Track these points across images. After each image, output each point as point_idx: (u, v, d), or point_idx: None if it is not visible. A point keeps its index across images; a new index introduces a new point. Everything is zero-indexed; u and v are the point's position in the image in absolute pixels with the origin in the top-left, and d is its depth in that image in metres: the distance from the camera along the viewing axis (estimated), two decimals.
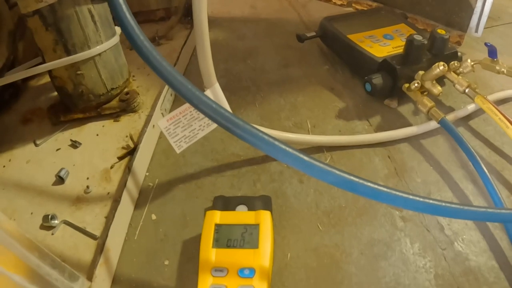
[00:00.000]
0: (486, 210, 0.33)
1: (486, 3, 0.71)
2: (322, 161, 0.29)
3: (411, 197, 0.30)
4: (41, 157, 0.55)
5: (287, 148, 0.28)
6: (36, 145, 0.59)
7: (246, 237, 0.37)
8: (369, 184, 0.29)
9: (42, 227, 0.45)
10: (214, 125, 0.41)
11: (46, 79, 0.71)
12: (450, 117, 0.57)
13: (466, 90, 0.56)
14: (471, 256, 0.40)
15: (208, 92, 0.40)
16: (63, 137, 0.58)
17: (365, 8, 0.89)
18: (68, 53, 0.54)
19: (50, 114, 0.63)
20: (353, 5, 0.91)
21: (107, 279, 0.39)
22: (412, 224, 0.44)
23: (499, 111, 0.51)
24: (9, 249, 0.24)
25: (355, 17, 0.73)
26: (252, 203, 0.41)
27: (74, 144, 0.56)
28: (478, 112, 0.59)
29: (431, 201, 0.30)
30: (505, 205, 0.44)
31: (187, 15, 0.84)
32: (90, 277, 0.37)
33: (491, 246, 0.41)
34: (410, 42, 0.56)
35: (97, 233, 0.43)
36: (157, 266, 0.40)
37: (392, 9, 0.78)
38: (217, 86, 0.40)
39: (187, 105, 0.38)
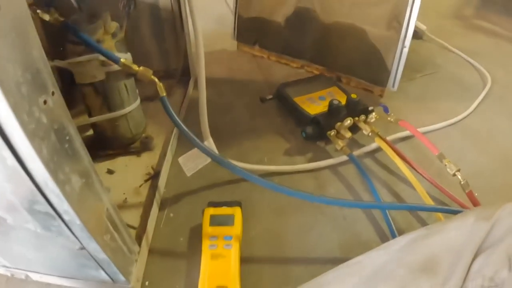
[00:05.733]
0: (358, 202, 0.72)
1: (399, 67, 1.11)
2: (276, 182, 0.67)
3: (323, 197, 0.69)
4: None
5: (256, 176, 0.66)
6: None
7: (228, 220, 0.74)
8: (299, 192, 0.68)
9: None
10: (209, 159, 0.79)
11: (75, 119, 1.07)
12: (358, 152, 0.97)
13: (369, 134, 0.96)
14: (363, 232, 0.79)
15: (206, 143, 0.78)
16: (101, 166, 0.94)
17: (314, 71, 1.31)
18: (110, 111, 0.91)
19: (89, 150, 0.98)
20: (305, 67, 1.33)
21: (145, 248, 0.75)
22: (327, 216, 0.82)
23: (389, 145, 0.91)
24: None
25: (301, 83, 1.14)
26: (230, 204, 0.78)
27: (110, 171, 0.93)
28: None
29: (331, 199, 0.69)
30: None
31: (183, 75, 1.23)
32: (139, 245, 0.73)
33: (375, 228, 0.80)
34: (330, 104, 0.97)
35: (136, 225, 0.79)
36: (175, 241, 0.76)
37: (328, 76, 1.20)
38: (210, 139, 0.78)
39: (195, 149, 0.75)
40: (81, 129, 1.04)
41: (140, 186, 0.87)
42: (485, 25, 1.78)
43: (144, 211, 0.81)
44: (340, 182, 0.91)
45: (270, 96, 1.10)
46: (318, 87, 1.11)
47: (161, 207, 0.84)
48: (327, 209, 0.83)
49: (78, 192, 0.49)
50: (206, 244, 0.71)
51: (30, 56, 0.39)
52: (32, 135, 0.39)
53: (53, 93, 0.43)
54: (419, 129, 1.01)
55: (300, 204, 0.83)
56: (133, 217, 0.80)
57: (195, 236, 0.76)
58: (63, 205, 0.47)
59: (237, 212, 0.76)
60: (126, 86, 0.91)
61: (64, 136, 0.45)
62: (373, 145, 0.99)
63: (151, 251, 0.75)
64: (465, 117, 1.12)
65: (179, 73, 1.23)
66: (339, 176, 0.92)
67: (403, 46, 1.09)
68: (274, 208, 0.83)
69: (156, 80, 0.74)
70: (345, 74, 1.24)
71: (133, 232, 0.77)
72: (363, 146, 1.00)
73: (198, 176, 0.83)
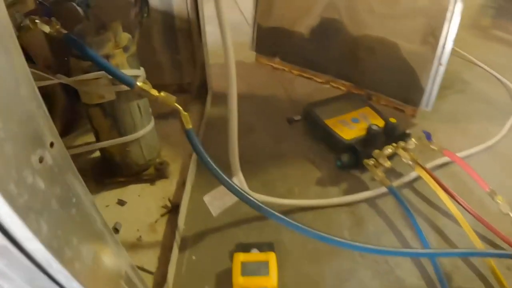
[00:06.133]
0: (412, 251, 0.60)
1: (434, 86, 0.99)
2: (305, 224, 0.55)
3: (365, 245, 0.56)
4: None
5: (293, 222, 0.54)
6: None
7: (261, 269, 0.61)
8: (336, 238, 0.55)
9: None
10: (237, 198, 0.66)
11: (80, 140, 0.94)
12: (397, 182, 0.85)
13: (410, 163, 0.84)
14: (407, 279, 0.66)
15: (235, 179, 0.65)
16: (110, 196, 0.82)
17: (340, 86, 1.19)
18: (120, 135, 0.78)
19: (95, 175, 0.86)
20: (330, 83, 1.21)
21: None
22: (367, 260, 0.69)
23: (431, 176, 0.78)
24: None
25: (330, 102, 1.01)
26: (261, 247, 0.66)
27: (121, 202, 0.80)
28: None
29: (378, 247, 0.57)
30: (430, 245, 0.71)
31: (200, 90, 1.10)
32: None
33: (421, 272, 0.67)
34: (369, 131, 0.85)
35: (153, 269, 0.67)
36: None
37: (358, 94, 1.08)
38: (241, 175, 0.66)
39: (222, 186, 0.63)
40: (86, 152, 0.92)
41: (155, 222, 0.75)
42: (503, 35, 1.68)
43: (162, 253, 0.69)
44: (379, 217, 0.78)
45: (298, 117, 0.97)
46: (350, 108, 0.98)
47: (182, 248, 0.71)
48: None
49: (90, 265, 0.36)
50: None
51: (16, 97, 0.27)
52: (25, 211, 0.27)
53: (51, 144, 0.30)
54: (442, 159, 0.90)
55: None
56: (149, 259, 0.68)
57: (223, 285, 0.64)
58: (72, 284, 0.34)
59: (271, 258, 0.63)
60: (139, 107, 0.79)
61: (69, 199, 0.33)
62: (412, 175, 0.87)
63: None
64: (498, 141, 1.00)
65: (196, 87, 1.11)
66: (378, 210, 0.80)
67: (439, 64, 0.97)
68: (309, 250, 0.71)
69: (181, 109, 0.61)
70: (375, 91, 1.11)
71: (149, 278, 0.65)
72: (399, 174, 0.88)
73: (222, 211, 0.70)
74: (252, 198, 0.54)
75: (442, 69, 0.97)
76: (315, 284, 0.65)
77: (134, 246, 0.71)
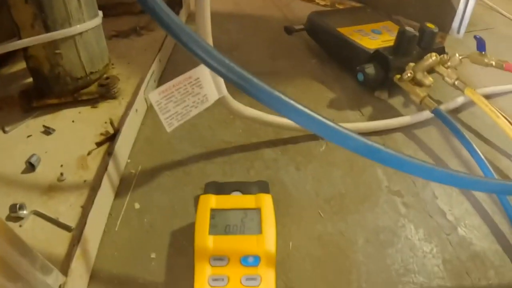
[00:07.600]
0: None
1: (468, 6, 0.72)
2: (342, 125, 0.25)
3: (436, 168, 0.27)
4: (10, 144, 0.48)
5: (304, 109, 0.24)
6: (4, 132, 0.51)
7: (246, 222, 0.32)
8: (392, 152, 0.26)
9: (9, 218, 0.38)
10: (209, 103, 0.36)
11: (19, 66, 0.64)
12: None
13: (456, 83, 0.54)
14: (475, 241, 0.38)
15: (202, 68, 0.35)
16: (35, 123, 0.51)
17: None
18: (47, 29, 0.48)
19: (22, 100, 0.55)
20: (336, 5, 0.89)
21: (84, 275, 0.33)
22: (414, 211, 0.41)
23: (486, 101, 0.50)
24: None
25: (342, 13, 0.71)
26: (247, 189, 0.36)
27: (47, 131, 0.49)
28: (465, 105, 0.58)
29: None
30: None
31: (169, 4, 0.79)
32: (65, 272, 0.31)
33: (492, 231, 0.39)
34: (402, 33, 0.54)
35: (73, 224, 0.37)
36: (142, 260, 0.34)
37: (376, 9, 0.77)
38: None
39: (181, 77, 0.33)
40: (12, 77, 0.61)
41: (88, 154, 0.44)
42: None
43: (89, 199, 0.39)
44: (422, 151, 0.49)
45: (301, 26, 0.66)
46: (368, 19, 0.68)
47: (120, 192, 0.41)
48: (415, 201, 0.42)
49: None
50: (202, 274, 0.29)
51: None
52: None
53: None
54: (487, 89, 0.61)
55: (369, 191, 0.42)
56: (68, 208, 0.39)
57: (182, 250, 0.35)
58: None
59: (265, 203, 0.33)
60: None
61: None
62: (459, 100, 0.57)
63: (94, 279, 0.33)
64: None
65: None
66: (418, 142, 0.51)
67: None
68: (325, 196, 0.41)
69: None
70: (393, 14, 0.80)
71: (67, 237, 0.35)
72: (438, 101, 0.58)
73: (186, 135, 0.40)
74: (246, 73, 0.24)
75: None
76: (340, 252, 0.36)
77: (51, 188, 0.41)
